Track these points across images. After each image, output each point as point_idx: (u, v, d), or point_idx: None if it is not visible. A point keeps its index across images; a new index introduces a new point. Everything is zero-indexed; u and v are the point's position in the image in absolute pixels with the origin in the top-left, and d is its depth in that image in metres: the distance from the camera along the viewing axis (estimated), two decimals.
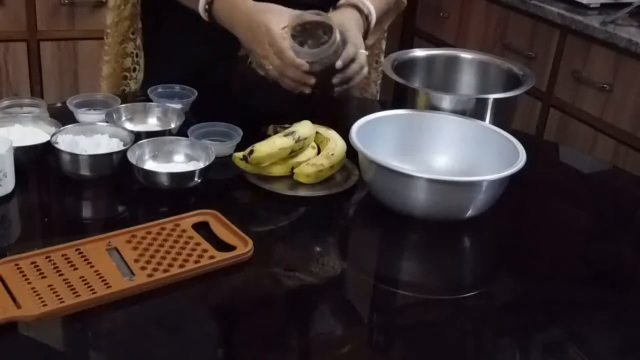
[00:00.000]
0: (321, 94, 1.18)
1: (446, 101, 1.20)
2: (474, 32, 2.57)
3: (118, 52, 1.40)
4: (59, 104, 1.33)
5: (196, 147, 1.12)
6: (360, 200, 1.13)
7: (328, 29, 1.14)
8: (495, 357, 0.87)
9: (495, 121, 1.20)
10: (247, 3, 1.14)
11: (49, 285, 0.85)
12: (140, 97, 1.32)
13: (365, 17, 1.26)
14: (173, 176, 1.06)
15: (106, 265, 0.89)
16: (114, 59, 1.40)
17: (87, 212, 1.11)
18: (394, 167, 1.02)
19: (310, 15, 1.14)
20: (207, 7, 1.16)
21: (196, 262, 0.91)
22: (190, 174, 1.06)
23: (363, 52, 1.18)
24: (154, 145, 1.11)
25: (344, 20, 1.19)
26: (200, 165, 1.08)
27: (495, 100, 1.21)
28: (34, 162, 1.11)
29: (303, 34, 1.14)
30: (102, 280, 0.86)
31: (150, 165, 1.09)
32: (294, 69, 1.11)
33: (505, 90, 1.26)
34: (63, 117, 1.19)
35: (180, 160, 1.12)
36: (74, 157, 1.06)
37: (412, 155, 1.17)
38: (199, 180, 1.07)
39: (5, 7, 2.31)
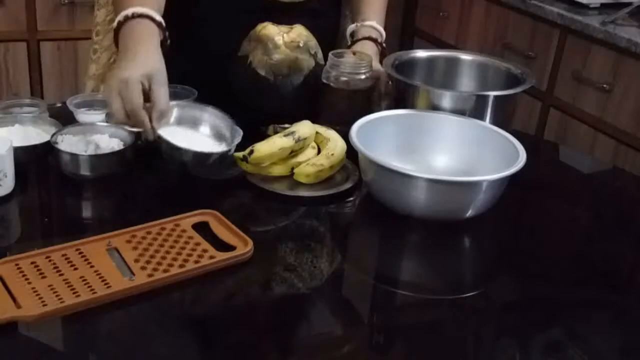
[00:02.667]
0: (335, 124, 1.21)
1: (446, 99, 1.20)
2: (474, 32, 2.57)
3: (112, 54, 1.39)
4: (59, 104, 1.33)
5: (223, 121, 1.13)
6: (360, 200, 1.13)
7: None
8: (495, 357, 0.87)
9: (496, 120, 1.20)
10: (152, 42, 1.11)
11: (49, 285, 0.85)
12: None
13: (380, 44, 1.36)
14: (195, 155, 1.06)
15: (106, 265, 0.89)
16: (107, 59, 1.40)
17: (87, 212, 1.11)
18: (394, 167, 1.02)
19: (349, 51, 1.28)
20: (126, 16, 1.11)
21: (196, 262, 0.91)
22: (210, 155, 1.07)
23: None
24: (180, 111, 1.11)
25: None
26: (223, 147, 1.09)
27: (496, 97, 1.21)
28: (34, 162, 1.11)
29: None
30: (102, 280, 0.86)
31: (173, 130, 1.08)
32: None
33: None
34: (63, 117, 1.19)
35: (205, 133, 1.12)
36: (74, 157, 1.07)
37: (412, 155, 1.17)
38: (219, 160, 1.07)
39: (5, 7, 2.31)
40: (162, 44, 1.13)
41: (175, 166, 1.08)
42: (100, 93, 1.10)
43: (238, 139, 1.17)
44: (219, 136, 1.12)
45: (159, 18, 1.12)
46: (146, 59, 1.07)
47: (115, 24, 1.12)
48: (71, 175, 1.08)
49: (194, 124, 1.12)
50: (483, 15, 2.51)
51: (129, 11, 1.10)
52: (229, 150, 1.09)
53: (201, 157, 1.07)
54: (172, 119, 1.10)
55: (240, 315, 0.89)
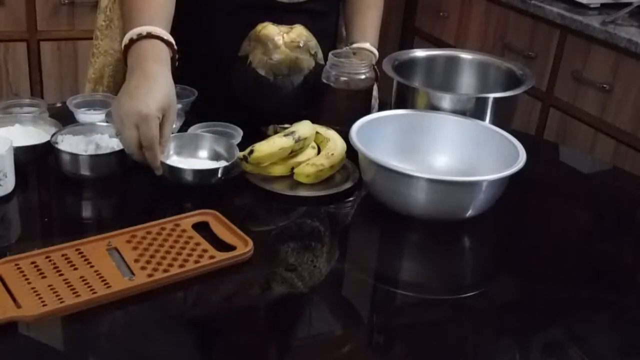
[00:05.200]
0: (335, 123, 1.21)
1: (446, 100, 1.20)
2: (474, 32, 2.57)
3: (111, 58, 1.39)
4: (59, 104, 1.33)
5: (220, 143, 1.13)
6: (360, 200, 1.13)
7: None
8: (495, 357, 0.87)
9: (495, 121, 1.20)
10: (163, 68, 1.10)
11: (49, 285, 0.85)
12: None
13: (374, 67, 1.32)
14: (196, 173, 1.07)
15: (106, 265, 0.89)
16: (103, 64, 1.39)
17: (87, 212, 1.11)
18: (394, 167, 1.02)
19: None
20: (134, 37, 1.10)
21: (196, 262, 0.91)
22: (214, 171, 1.08)
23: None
24: (177, 141, 1.13)
25: None
26: (224, 163, 1.09)
27: (495, 99, 1.21)
28: (34, 162, 1.12)
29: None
30: (102, 280, 0.86)
31: (174, 161, 1.10)
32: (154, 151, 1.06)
33: (505, 90, 1.26)
34: (63, 117, 1.19)
35: (204, 157, 1.13)
36: (74, 157, 1.07)
37: (412, 155, 1.17)
38: (222, 177, 1.08)
39: (5, 7, 2.31)
40: (171, 60, 1.12)
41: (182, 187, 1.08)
42: (111, 123, 1.09)
43: (238, 139, 1.17)
44: (217, 158, 1.12)
45: (168, 37, 1.12)
46: (161, 87, 1.05)
47: (125, 41, 1.11)
48: (71, 175, 1.08)
49: (192, 152, 1.13)
50: (483, 15, 2.51)
51: (140, 30, 1.09)
52: (231, 165, 1.09)
53: (204, 175, 1.08)
54: (170, 151, 1.12)
55: (240, 315, 0.89)
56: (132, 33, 1.10)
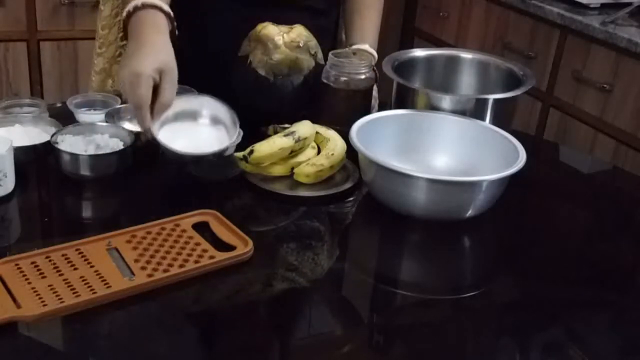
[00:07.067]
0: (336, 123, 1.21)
1: (446, 101, 1.20)
2: (474, 32, 2.57)
3: (118, 48, 1.40)
4: (59, 104, 1.33)
5: (223, 110, 1.12)
6: (360, 200, 1.13)
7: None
8: (495, 357, 0.87)
9: (495, 121, 1.20)
10: (161, 35, 1.12)
11: (49, 285, 0.85)
12: None
13: (373, 69, 1.32)
14: (193, 156, 1.06)
15: (106, 265, 0.89)
16: (113, 53, 1.40)
17: (87, 212, 1.11)
18: (394, 167, 1.02)
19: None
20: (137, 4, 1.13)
21: (196, 262, 0.91)
22: (208, 155, 1.07)
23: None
24: (177, 105, 1.10)
25: None
26: (223, 131, 1.08)
27: (495, 100, 1.21)
28: (34, 162, 1.12)
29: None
30: (102, 280, 0.86)
31: (172, 127, 1.08)
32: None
33: (505, 90, 1.25)
34: (63, 117, 1.19)
35: (204, 123, 1.12)
36: (74, 157, 1.07)
37: (412, 155, 1.17)
38: (216, 158, 1.07)
39: (5, 7, 2.31)
40: (171, 33, 1.14)
41: (177, 166, 1.08)
42: (110, 86, 1.11)
43: (238, 127, 1.15)
44: (218, 125, 1.11)
45: (167, 8, 1.14)
46: (158, 51, 1.08)
47: (124, 14, 1.13)
48: (71, 175, 1.08)
49: (192, 116, 1.11)
50: (483, 15, 2.51)
51: (138, 1, 1.12)
52: (226, 149, 1.08)
53: (200, 157, 1.07)
54: (170, 113, 1.09)
55: (240, 315, 0.89)
56: (132, 5, 1.12)
